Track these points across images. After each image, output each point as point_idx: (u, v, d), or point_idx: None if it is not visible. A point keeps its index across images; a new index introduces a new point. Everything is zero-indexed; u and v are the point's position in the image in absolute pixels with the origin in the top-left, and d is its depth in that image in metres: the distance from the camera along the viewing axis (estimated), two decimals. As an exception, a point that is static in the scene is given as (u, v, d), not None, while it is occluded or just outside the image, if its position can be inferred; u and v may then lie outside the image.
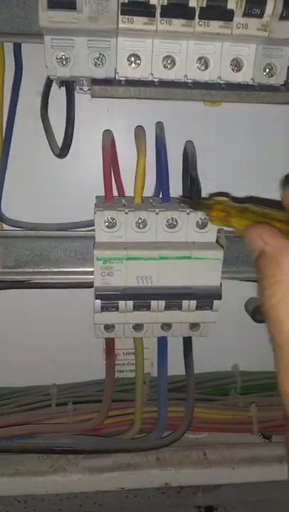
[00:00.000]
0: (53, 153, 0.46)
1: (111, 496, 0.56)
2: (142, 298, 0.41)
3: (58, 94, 0.45)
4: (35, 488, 0.47)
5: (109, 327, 0.45)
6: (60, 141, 0.45)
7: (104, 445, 0.49)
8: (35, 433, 0.50)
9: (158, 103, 0.46)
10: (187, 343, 0.50)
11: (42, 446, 0.47)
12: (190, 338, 0.49)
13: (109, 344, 0.50)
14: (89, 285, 0.49)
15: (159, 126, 0.46)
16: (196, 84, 0.39)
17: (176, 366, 0.51)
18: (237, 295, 0.55)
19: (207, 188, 0.47)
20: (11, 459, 0.49)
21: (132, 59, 0.38)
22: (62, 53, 0.38)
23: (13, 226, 0.50)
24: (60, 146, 0.45)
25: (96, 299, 0.41)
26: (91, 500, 0.57)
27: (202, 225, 0.43)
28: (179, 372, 0.52)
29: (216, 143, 0.51)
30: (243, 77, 0.39)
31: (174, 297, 0.41)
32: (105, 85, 0.39)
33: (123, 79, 0.38)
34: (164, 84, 0.39)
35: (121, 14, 0.34)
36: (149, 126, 0.47)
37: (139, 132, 0.46)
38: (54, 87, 0.46)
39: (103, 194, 0.46)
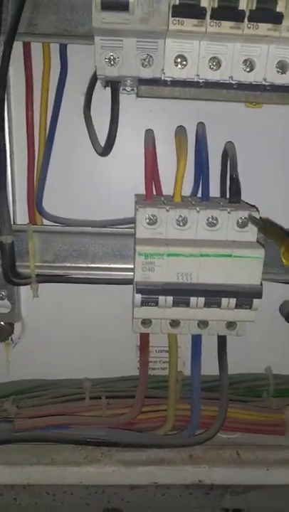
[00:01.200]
0: (96, 151, 0.47)
1: (139, 494, 0.56)
2: (181, 294, 0.42)
3: (100, 95, 0.47)
4: (69, 478, 0.48)
5: (146, 322, 0.46)
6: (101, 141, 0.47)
7: (139, 439, 0.50)
8: (70, 424, 0.50)
9: (199, 105, 0.48)
10: (222, 342, 0.50)
11: (77, 437, 0.48)
12: (225, 337, 0.50)
13: (144, 339, 0.50)
14: (125, 282, 0.50)
15: (201, 127, 0.47)
16: (241, 86, 0.40)
17: (207, 367, 0.51)
18: (272, 297, 0.55)
19: (245, 189, 0.47)
20: (47, 449, 0.50)
21: (179, 60, 0.39)
22: (111, 54, 0.39)
23: (53, 222, 0.51)
24: (102, 145, 0.47)
25: (137, 293, 0.42)
26: (119, 496, 0.58)
27: (242, 224, 0.43)
28: (210, 373, 0.52)
29: (256, 145, 0.51)
30: (288, 78, 0.39)
31: (213, 294, 0.42)
32: (152, 85, 0.40)
33: (169, 79, 0.39)
34: (208, 85, 0.40)
35: (172, 16, 0.35)
36: (189, 128, 0.48)
37: (181, 132, 0.47)
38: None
39: (142, 193, 0.47)
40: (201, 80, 0.39)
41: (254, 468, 0.49)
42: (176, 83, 0.40)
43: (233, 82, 0.40)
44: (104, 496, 0.57)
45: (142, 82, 0.40)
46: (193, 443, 0.49)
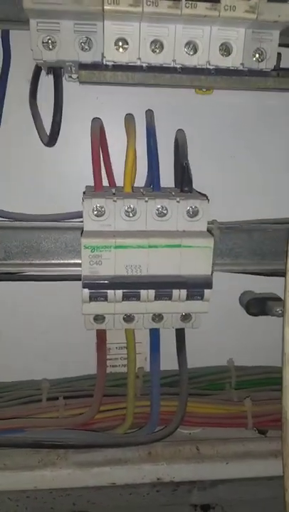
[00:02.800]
0: (42, 141, 0.45)
1: (105, 494, 0.55)
2: (131, 287, 0.40)
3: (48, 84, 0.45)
4: (23, 483, 0.47)
5: (98, 318, 0.44)
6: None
7: (95, 440, 0.48)
8: (25, 427, 0.49)
9: (148, 92, 0.46)
10: (180, 335, 0.49)
11: (31, 440, 0.47)
12: (183, 330, 0.49)
13: (101, 336, 0.49)
14: (79, 278, 0.48)
15: (149, 114, 0.45)
16: (185, 70, 0.39)
17: (170, 362, 0.50)
18: (231, 288, 0.55)
19: (197, 178, 0.46)
20: (0, 453, 0.48)
21: (120, 43, 0.37)
22: (48, 37, 0.37)
23: (1, 217, 0.49)
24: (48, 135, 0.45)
25: (84, 287, 0.40)
26: (84, 498, 0.56)
27: (193, 214, 0.42)
28: (174, 368, 0.51)
29: (207, 133, 0.50)
30: (233, 62, 0.39)
31: (163, 286, 0.41)
32: (92, 70, 0.38)
33: (110, 63, 0.38)
34: (152, 69, 0.38)
35: (106, -5, 0.33)
36: (139, 116, 0.47)
37: (129, 119, 0.45)
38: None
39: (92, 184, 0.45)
40: (144, 64, 0.38)
41: (213, 463, 0.48)
42: (118, 67, 0.38)
43: (177, 66, 0.38)
44: (69, 498, 0.56)
45: (82, 66, 0.38)
46: (151, 440, 0.48)
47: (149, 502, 0.57)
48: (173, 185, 0.48)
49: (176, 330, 0.48)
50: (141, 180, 0.47)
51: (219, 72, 0.39)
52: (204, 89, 0.46)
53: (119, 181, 0.48)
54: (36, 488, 0.47)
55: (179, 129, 0.47)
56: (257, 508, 0.60)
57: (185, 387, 0.49)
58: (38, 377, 0.56)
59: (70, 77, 0.43)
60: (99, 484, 0.48)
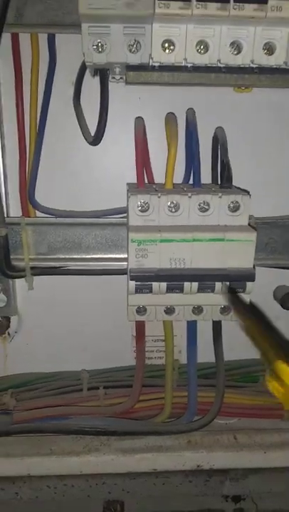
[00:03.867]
0: (86, 140, 0.47)
1: (139, 484, 0.57)
2: (175, 279, 0.42)
3: (90, 85, 0.47)
4: (69, 468, 0.48)
5: (141, 310, 0.46)
6: (92, 130, 0.47)
7: (136, 427, 0.50)
8: (67, 414, 0.51)
9: (188, 92, 0.48)
10: (217, 327, 0.50)
11: (75, 427, 0.48)
12: (220, 323, 0.50)
13: (140, 328, 0.50)
14: (119, 272, 0.50)
15: (191, 112, 0.47)
16: (229, 69, 0.40)
17: (203, 355, 0.51)
18: (266, 282, 0.55)
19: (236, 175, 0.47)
20: (45, 440, 0.50)
21: (166, 45, 0.39)
22: (99, 40, 0.39)
23: (45, 213, 0.51)
24: (92, 134, 0.46)
25: (130, 280, 0.42)
26: (119, 487, 0.58)
27: (234, 209, 0.43)
28: (206, 361, 0.53)
29: (245, 130, 0.51)
30: (276, 60, 0.40)
31: (207, 279, 0.42)
32: (140, 71, 0.40)
33: (157, 64, 0.39)
34: (197, 69, 0.40)
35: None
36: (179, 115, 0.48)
37: (171, 118, 0.47)
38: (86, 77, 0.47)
39: (133, 181, 0.47)
40: (189, 65, 0.39)
41: (252, 452, 0.49)
42: (164, 68, 0.40)
43: (221, 66, 0.40)
44: (104, 487, 0.58)
45: (129, 68, 0.40)
46: (190, 429, 0.50)
47: (182, 492, 0.59)
48: (207, 182, 0.49)
49: (214, 322, 0.50)
50: (177, 175, 0.48)
51: (262, 70, 0.40)
52: (243, 88, 0.47)
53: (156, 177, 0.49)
54: (82, 473, 0.49)
55: (219, 127, 0.48)
56: (286, 500, 0.61)
57: (222, 378, 0.50)
58: (77, 368, 0.58)
59: (114, 78, 0.45)
60: (141, 470, 0.50)
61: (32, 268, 0.50)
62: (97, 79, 0.44)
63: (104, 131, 0.45)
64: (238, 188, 0.47)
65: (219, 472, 0.56)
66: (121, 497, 0.60)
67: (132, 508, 0.60)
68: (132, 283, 0.42)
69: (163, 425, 0.51)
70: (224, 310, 0.46)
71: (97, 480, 0.56)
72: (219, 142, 0.46)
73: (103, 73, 0.43)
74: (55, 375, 0.58)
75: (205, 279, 0.42)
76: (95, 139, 0.46)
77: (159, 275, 0.42)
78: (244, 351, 0.58)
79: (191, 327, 0.50)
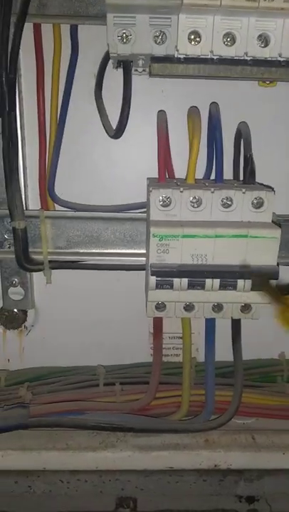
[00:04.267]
0: (107, 134, 0.47)
1: (152, 481, 0.56)
2: (196, 276, 0.41)
3: (112, 77, 0.46)
4: (85, 464, 0.48)
5: (160, 306, 0.45)
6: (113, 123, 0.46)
7: (153, 424, 0.50)
8: (84, 409, 0.50)
9: (212, 86, 0.47)
10: (236, 326, 0.49)
11: (92, 422, 0.48)
12: (239, 321, 0.49)
13: (158, 324, 0.50)
14: (138, 267, 0.50)
15: (214, 107, 0.46)
16: (256, 62, 0.39)
17: (220, 353, 0.51)
18: (285, 281, 0.54)
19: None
20: (62, 434, 0.50)
21: (193, 36, 0.38)
22: (124, 31, 0.38)
23: (64, 207, 0.51)
24: (114, 128, 0.46)
25: (151, 275, 0.41)
26: (132, 484, 0.57)
27: (258, 205, 0.42)
28: (222, 359, 0.52)
29: (268, 125, 0.50)
30: (304, 53, 0.39)
31: (229, 276, 0.41)
32: (165, 63, 0.39)
33: (183, 56, 0.39)
34: (223, 61, 0.39)
35: (186, -11, 0.34)
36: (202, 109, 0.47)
37: (194, 112, 0.46)
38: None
39: (154, 176, 0.46)
40: (215, 57, 0.39)
41: (270, 452, 0.48)
42: (189, 60, 0.39)
43: (248, 58, 0.39)
44: (118, 483, 0.57)
45: (154, 60, 0.39)
46: (208, 428, 0.49)
47: (196, 491, 0.58)
48: (229, 177, 0.49)
49: (233, 321, 0.49)
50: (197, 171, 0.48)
51: (290, 64, 0.39)
52: (268, 82, 0.46)
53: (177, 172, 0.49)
54: (97, 469, 0.48)
55: (242, 122, 0.47)
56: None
57: (240, 377, 0.49)
58: (93, 363, 0.58)
59: (137, 70, 0.44)
60: (157, 468, 0.49)
61: (50, 262, 0.50)
62: (120, 71, 0.43)
63: (126, 124, 0.44)
64: (262, 184, 0.46)
65: (234, 472, 0.55)
66: (134, 494, 0.59)
67: (144, 505, 0.59)
68: (153, 278, 0.41)
69: (180, 423, 0.51)
70: (245, 308, 0.46)
71: (110, 476, 0.56)
72: (242, 136, 0.45)
73: (127, 65, 0.43)
74: (72, 369, 0.58)
75: (227, 276, 0.41)
76: (117, 132, 0.45)
77: (181, 271, 0.41)
78: (263, 351, 0.58)
79: (210, 325, 0.49)
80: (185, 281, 0.41)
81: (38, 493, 0.57)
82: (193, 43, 0.38)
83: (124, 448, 0.48)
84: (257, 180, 0.46)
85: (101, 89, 0.47)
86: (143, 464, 0.48)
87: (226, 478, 0.57)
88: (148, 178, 0.48)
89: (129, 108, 0.44)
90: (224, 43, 0.38)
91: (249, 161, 0.44)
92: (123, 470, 0.53)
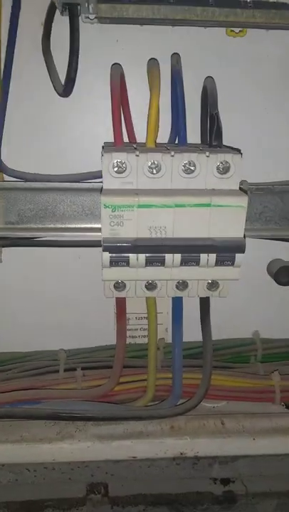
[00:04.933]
0: (56, 91, 0.41)
1: (123, 467, 0.54)
2: (155, 251, 0.37)
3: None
4: (41, 456, 0.45)
5: (119, 285, 0.41)
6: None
7: (115, 412, 0.47)
8: (40, 398, 0.47)
9: (173, 35, 0.42)
10: (204, 304, 0.46)
11: (48, 411, 0.45)
12: (208, 299, 0.45)
13: (120, 305, 0.46)
14: (98, 244, 0.45)
15: (175, 58, 0.41)
16: (219, 2, 0.34)
17: (191, 333, 0.48)
18: (259, 255, 0.51)
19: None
20: (16, 425, 0.46)
21: None
22: None
23: (14, 177, 0.46)
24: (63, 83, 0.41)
25: (104, 251, 0.37)
26: (102, 470, 0.55)
27: (223, 170, 0.38)
28: (194, 339, 0.49)
29: (236, 81, 0.45)
30: (274, -8, 0.34)
31: (191, 250, 0.37)
32: (113, 3, 0.34)
33: (133, -5, 0.33)
34: (181, 1, 0.34)
35: None
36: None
37: (153, 65, 0.41)
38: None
39: (112, 140, 0.41)
40: (171, -3, 0.33)
41: (240, 438, 0.46)
42: (142, 0, 0.33)
43: (210, -1, 0.34)
44: (87, 470, 0.55)
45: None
46: (173, 413, 0.46)
47: (169, 475, 0.56)
48: (197, 140, 0.45)
49: (201, 299, 0.46)
50: (162, 137, 0.43)
51: (257, 4, 0.34)
52: (237, 31, 0.41)
53: (139, 138, 0.44)
54: (54, 461, 0.45)
55: (208, 76, 0.42)
56: (278, 482, 0.59)
57: (209, 359, 0.46)
58: (54, 347, 0.55)
59: (88, 17, 0.38)
60: (119, 458, 0.47)
61: (1, 239, 0.45)
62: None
63: (74, 78, 0.39)
64: (230, 147, 0.41)
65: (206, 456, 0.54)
66: (105, 480, 0.57)
67: (116, 491, 0.57)
68: (106, 255, 0.37)
69: (144, 409, 0.48)
70: (212, 285, 0.42)
71: (79, 463, 0.54)
72: (208, 93, 0.40)
73: (73, 9, 0.37)
74: (31, 354, 0.54)
75: (189, 250, 0.37)
76: (65, 88, 0.40)
77: (137, 246, 0.37)
78: (234, 330, 0.56)
79: (176, 304, 0.45)
80: (142, 256, 0.37)
81: (4, 482, 0.54)
82: (145, -22, 0.33)
83: (83, 438, 0.45)
84: (226, 143, 0.41)
85: (49, 38, 0.42)
86: (103, 454, 0.45)
87: (200, 462, 0.56)
88: (105, 143, 0.44)
89: (78, 59, 0.38)
90: (181, -22, 0.33)
91: (215, 120, 0.39)
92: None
